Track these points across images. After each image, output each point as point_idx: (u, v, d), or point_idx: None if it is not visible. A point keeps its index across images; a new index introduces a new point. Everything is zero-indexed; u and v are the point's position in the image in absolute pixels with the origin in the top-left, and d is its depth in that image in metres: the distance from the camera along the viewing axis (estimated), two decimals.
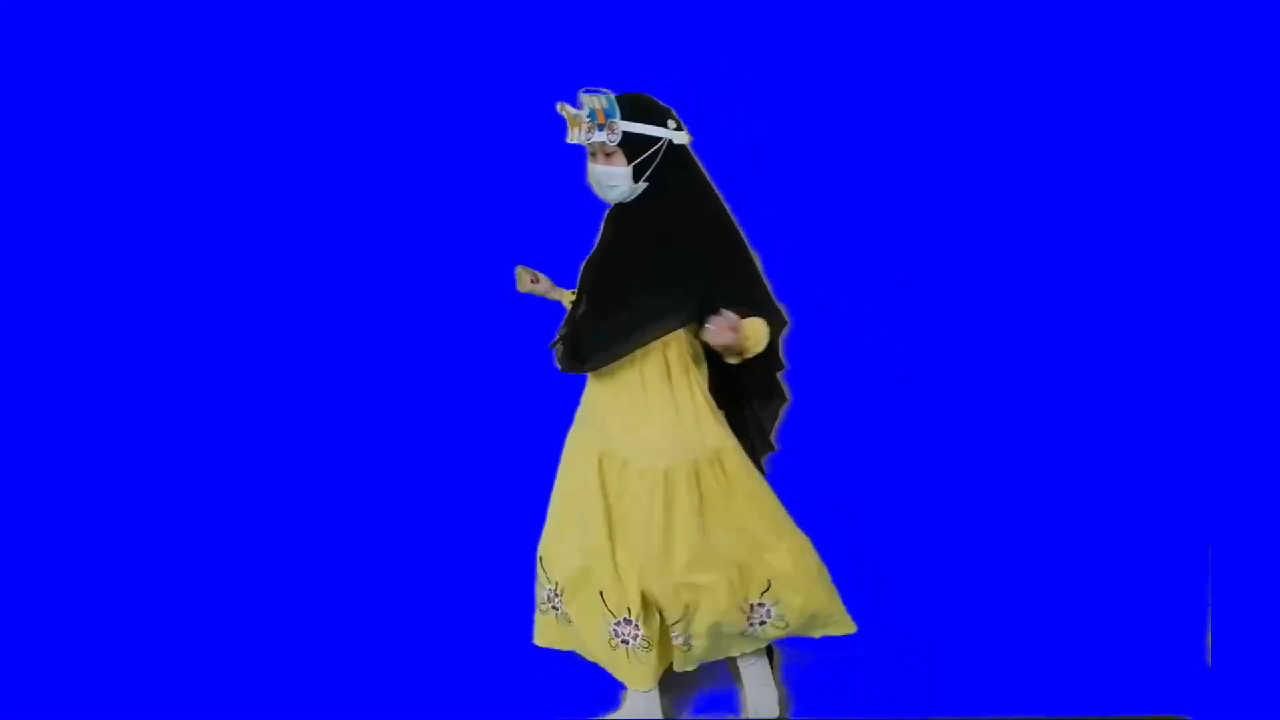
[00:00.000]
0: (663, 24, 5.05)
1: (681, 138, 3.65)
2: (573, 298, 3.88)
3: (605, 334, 3.65)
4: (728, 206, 3.74)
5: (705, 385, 3.76)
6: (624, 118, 3.58)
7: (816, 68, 5.04)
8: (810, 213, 5.11)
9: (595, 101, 3.57)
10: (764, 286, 3.74)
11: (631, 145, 3.59)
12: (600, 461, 3.75)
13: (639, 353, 3.65)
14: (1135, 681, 4.18)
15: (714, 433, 3.73)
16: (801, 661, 4.26)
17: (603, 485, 3.75)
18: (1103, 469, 5.00)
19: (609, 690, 4.03)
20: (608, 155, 3.60)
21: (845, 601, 4.12)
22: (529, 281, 4.01)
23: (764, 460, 3.98)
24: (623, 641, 3.75)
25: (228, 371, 5.15)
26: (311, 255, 5.14)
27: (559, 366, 3.75)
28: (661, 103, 3.68)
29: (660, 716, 3.90)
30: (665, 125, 3.62)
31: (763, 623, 3.84)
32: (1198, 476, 4.73)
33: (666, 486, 3.68)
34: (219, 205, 5.13)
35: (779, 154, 5.07)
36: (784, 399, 3.91)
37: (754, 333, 3.64)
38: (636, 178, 3.61)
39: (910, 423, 5.11)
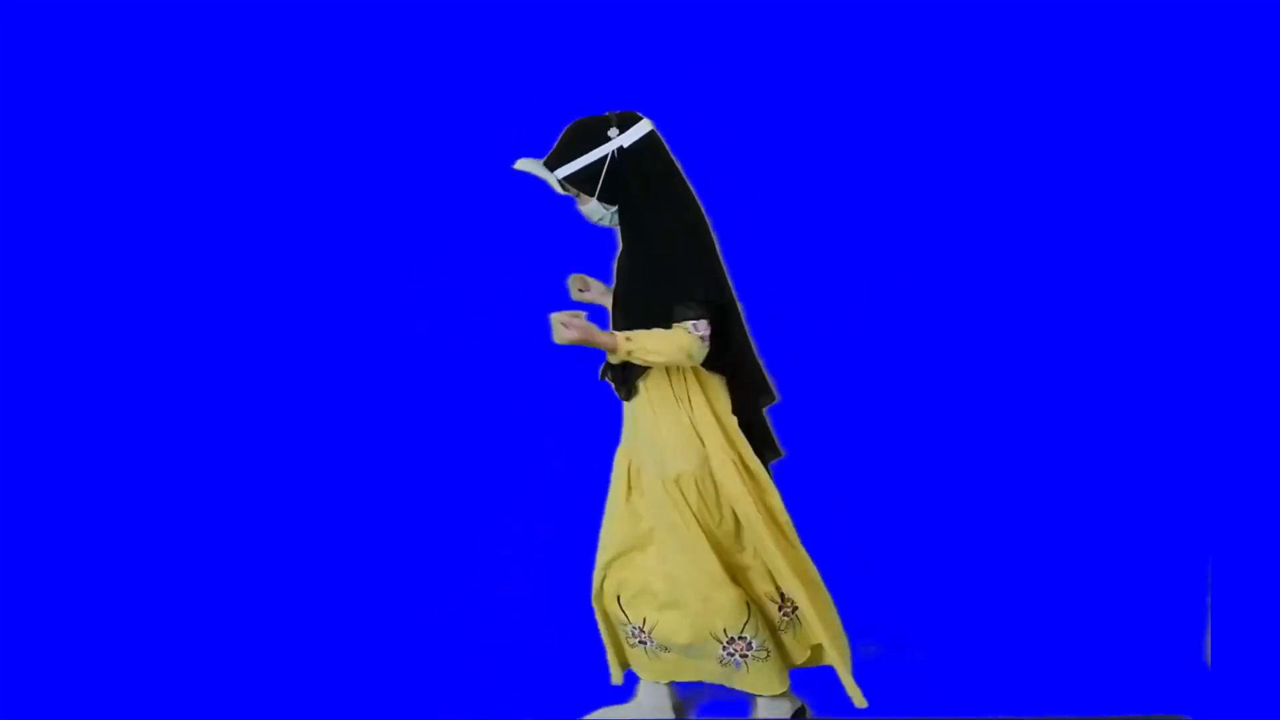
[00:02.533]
0: (662, 26, 5.06)
1: (633, 135, 3.58)
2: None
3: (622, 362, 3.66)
4: (693, 194, 3.64)
5: (712, 396, 3.68)
6: (559, 164, 3.58)
7: (805, 71, 5.06)
8: (806, 216, 5.11)
9: (531, 169, 3.60)
10: (703, 289, 3.57)
11: (584, 180, 3.58)
12: (628, 473, 3.79)
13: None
14: (1135, 681, 4.18)
15: (710, 446, 3.67)
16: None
17: (632, 496, 3.78)
18: (1103, 470, 5.01)
19: (606, 691, 4.03)
20: (577, 196, 3.63)
21: (846, 601, 4.10)
22: (578, 290, 3.91)
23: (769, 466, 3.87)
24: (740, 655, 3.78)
25: (250, 384, 5.17)
26: (337, 263, 5.16)
27: (600, 373, 3.80)
28: (596, 116, 3.60)
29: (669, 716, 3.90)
30: (605, 139, 3.57)
31: (743, 656, 3.77)
32: (1198, 477, 4.73)
33: (667, 493, 3.69)
34: (240, 213, 5.15)
35: (776, 156, 5.08)
36: (771, 397, 3.80)
37: (640, 345, 3.54)
38: (610, 201, 3.60)
39: (910, 424, 5.12)
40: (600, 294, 3.89)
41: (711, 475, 3.68)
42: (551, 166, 3.59)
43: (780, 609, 3.82)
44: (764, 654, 3.78)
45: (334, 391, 5.19)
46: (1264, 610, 4.29)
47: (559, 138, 3.62)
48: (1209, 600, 4.41)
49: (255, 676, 4.22)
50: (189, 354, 5.14)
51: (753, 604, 3.76)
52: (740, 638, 3.74)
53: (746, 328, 3.73)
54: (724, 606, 3.71)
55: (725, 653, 3.76)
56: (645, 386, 3.68)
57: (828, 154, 5.08)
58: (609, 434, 3.87)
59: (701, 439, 3.67)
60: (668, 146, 3.63)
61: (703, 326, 3.54)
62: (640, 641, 3.82)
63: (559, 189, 3.63)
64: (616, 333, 3.56)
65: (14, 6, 4.99)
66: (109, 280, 5.11)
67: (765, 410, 3.80)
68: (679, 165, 3.65)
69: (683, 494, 3.68)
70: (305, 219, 5.15)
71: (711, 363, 3.63)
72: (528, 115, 4.94)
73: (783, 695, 3.88)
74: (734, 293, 3.70)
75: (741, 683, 3.81)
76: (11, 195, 5.04)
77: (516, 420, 5.15)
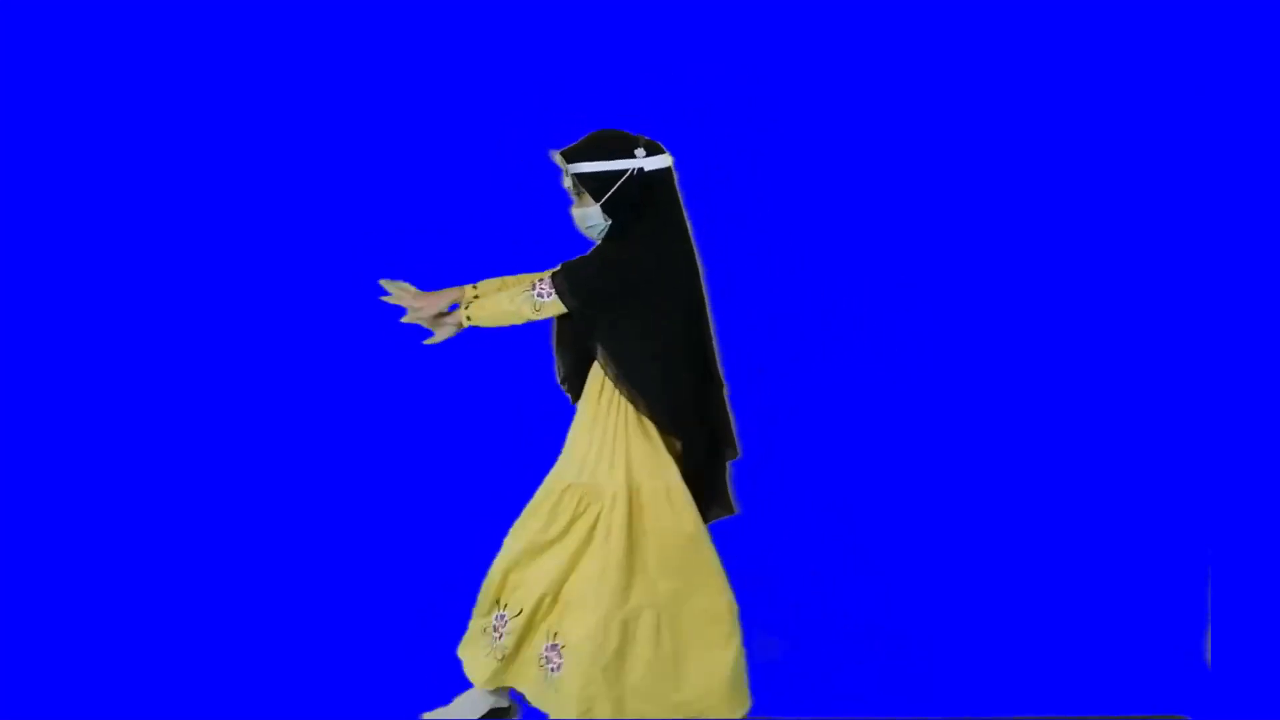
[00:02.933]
0: (663, 26, 5.05)
1: (655, 163, 3.62)
2: (455, 296, 3.81)
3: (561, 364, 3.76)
4: (689, 240, 3.67)
5: (637, 424, 3.66)
6: (578, 160, 3.61)
7: (805, 73, 5.06)
8: (801, 217, 5.11)
9: (556, 154, 3.64)
10: (584, 285, 3.59)
11: (595, 184, 3.60)
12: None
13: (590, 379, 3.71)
14: (1135, 681, 4.18)
15: (614, 472, 3.65)
16: (799, 659, 4.26)
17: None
18: (1103, 469, 5.00)
19: None
20: (579, 196, 3.65)
21: (843, 603, 4.10)
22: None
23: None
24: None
25: (226, 382, 5.15)
26: (309, 263, 5.14)
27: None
28: (628, 133, 3.65)
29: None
30: (630, 155, 3.60)
31: (554, 669, 3.71)
32: (1198, 477, 4.73)
33: (553, 500, 3.71)
34: (219, 210, 5.14)
35: (775, 157, 5.08)
36: (734, 451, 3.77)
37: (476, 313, 3.66)
38: (612, 214, 3.62)
39: (910, 423, 5.12)
40: (415, 297, 3.78)
41: (601, 494, 3.66)
42: (569, 159, 3.62)
43: (549, 653, 3.72)
44: (500, 653, 3.75)
45: (323, 389, 5.18)
46: (1264, 610, 4.29)
47: (585, 136, 3.65)
48: (1209, 600, 4.41)
49: (241, 676, 4.21)
50: (176, 351, 5.13)
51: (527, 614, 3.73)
52: (502, 615, 3.74)
53: (722, 381, 3.75)
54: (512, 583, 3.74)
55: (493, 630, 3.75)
56: (584, 394, 3.72)
57: (822, 163, 5.07)
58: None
59: (616, 459, 3.65)
60: (679, 190, 3.68)
61: (546, 288, 3.60)
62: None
63: (565, 181, 3.65)
64: (461, 310, 3.69)
65: (14, 6, 4.99)
66: (101, 279, 5.10)
67: (729, 463, 3.78)
68: (684, 210, 3.68)
69: (557, 502, 3.69)
70: (299, 218, 5.15)
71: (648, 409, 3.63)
72: (522, 117, 4.96)
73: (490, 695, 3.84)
74: (711, 339, 3.73)
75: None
76: (10, 195, 5.04)
77: (509, 417, 5.15)
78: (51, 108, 5.04)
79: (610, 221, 3.62)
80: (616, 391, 3.64)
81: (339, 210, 5.15)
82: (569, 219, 3.73)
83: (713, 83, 5.03)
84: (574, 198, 3.67)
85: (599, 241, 3.67)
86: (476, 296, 3.73)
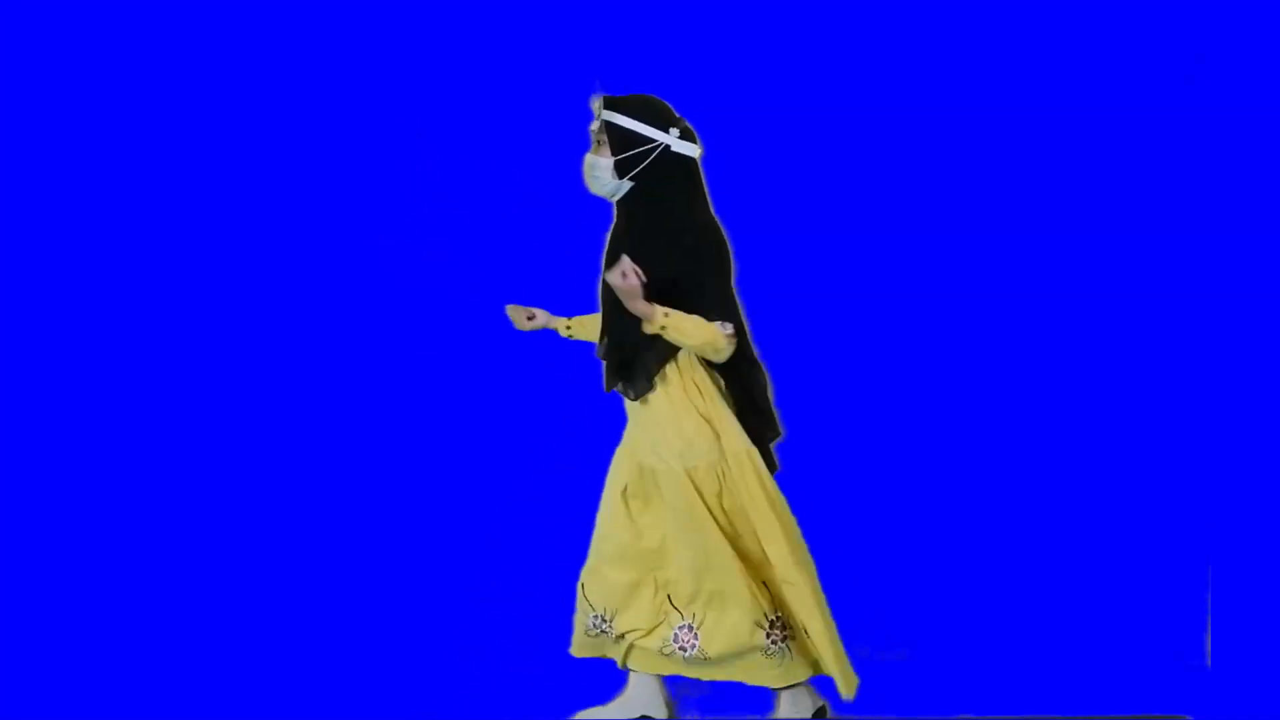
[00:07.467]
0: (664, 25, 5.06)
1: (684, 147, 3.64)
2: (569, 324, 4.00)
3: (637, 356, 3.67)
4: (717, 219, 3.71)
5: (713, 389, 3.71)
6: (614, 109, 3.64)
7: (811, 70, 5.06)
8: (805, 214, 5.11)
9: (598, 98, 3.67)
10: (732, 303, 3.68)
11: (619, 139, 3.63)
12: (638, 475, 3.77)
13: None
14: (1135, 681, 4.18)
15: (726, 436, 3.69)
16: None
17: (641, 498, 3.78)
18: (1103, 469, 5.00)
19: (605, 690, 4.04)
20: (599, 145, 3.67)
21: (846, 600, 4.08)
22: (525, 320, 4.02)
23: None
24: (680, 649, 3.76)
25: (247, 391, 5.16)
26: (326, 264, 5.15)
27: (605, 386, 3.77)
28: (673, 111, 3.68)
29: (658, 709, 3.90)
30: (664, 130, 3.63)
31: (784, 640, 3.75)
32: (1198, 477, 4.73)
33: (687, 487, 3.69)
34: (234, 213, 5.14)
35: (776, 156, 5.08)
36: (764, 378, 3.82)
37: (675, 324, 3.57)
38: (621, 174, 3.63)
39: (910, 423, 5.12)
40: (547, 320, 4.02)
41: (728, 465, 3.69)
42: (607, 104, 3.65)
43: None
44: (792, 637, 3.76)
45: (322, 393, 5.19)
46: (1264, 610, 4.30)
47: (634, 94, 3.67)
48: (1209, 600, 4.41)
49: (254, 677, 4.23)
50: (192, 353, 5.14)
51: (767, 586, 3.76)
52: (779, 618, 3.74)
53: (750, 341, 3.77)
54: (760, 591, 3.72)
55: (769, 641, 3.74)
56: (661, 382, 3.68)
57: (830, 156, 5.08)
58: (599, 430, 3.90)
59: (717, 431, 3.68)
60: (706, 188, 3.69)
61: (729, 328, 3.60)
62: (681, 648, 3.80)
63: (594, 124, 3.66)
64: (655, 305, 3.56)
65: (14, 6, 4.99)
66: (106, 281, 5.11)
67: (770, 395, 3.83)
68: (697, 204, 3.67)
69: (711, 481, 3.68)
70: (302, 219, 5.15)
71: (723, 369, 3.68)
72: (521, 116, 4.96)
73: (804, 687, 3.86)
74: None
75: (771, 675, 3.77)
76: (10, 195, 5.05)
77: (509, 419, 5.15)
78: (49, 109, 5.05)
79: (618, 183, 3.64)
80: (696, 376, 3.67)
81: (329, 214, 5.16)
82: (579, 222, 3.76)
83: (713, 82, 5.04)
84: (594, 144, 3.69)
85: (602, 195, 3.68)
86: (569, 329, 4.00)
